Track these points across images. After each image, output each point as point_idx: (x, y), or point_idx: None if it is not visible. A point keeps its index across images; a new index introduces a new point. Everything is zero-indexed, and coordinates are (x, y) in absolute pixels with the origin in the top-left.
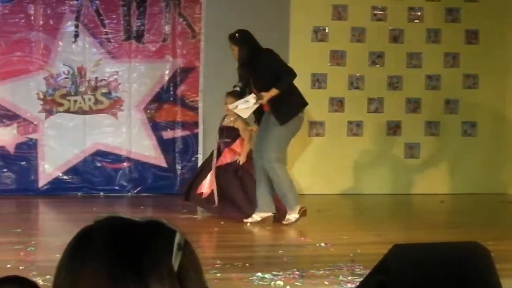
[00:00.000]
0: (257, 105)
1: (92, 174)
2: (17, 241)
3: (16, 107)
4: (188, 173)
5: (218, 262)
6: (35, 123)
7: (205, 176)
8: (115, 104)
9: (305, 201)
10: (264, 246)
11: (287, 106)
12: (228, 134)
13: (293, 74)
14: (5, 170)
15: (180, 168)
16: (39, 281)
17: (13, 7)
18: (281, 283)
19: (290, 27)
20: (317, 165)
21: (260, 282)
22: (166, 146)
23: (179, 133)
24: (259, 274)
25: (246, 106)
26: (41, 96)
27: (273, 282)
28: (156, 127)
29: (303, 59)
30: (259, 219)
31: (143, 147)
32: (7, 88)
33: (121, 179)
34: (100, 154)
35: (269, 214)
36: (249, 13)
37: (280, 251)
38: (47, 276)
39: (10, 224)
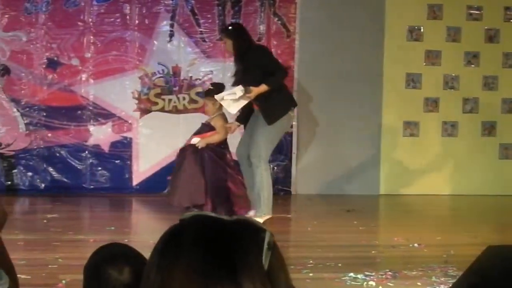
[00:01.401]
0: (246, 101)
1: None
2: (110, 239)
3: (111, 106)
4: (282, 172)
5: (311, 261)
6: (129, 122)
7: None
8: None
9: (399, 201)
10: (357, 246)
11: (275, 106)
12: (205, 131)
13: (284, 72)
14: (100, 168)
15: (274, 167)
16: None
17: (109, 7)
18: (374, 283)
19: (385, 27)
20: (411, 165)
21: (353, 283)
22: None
23: None
24: (352, 274)
25: (232, 97)
26: (136, 95)
27: (365, 283)
28: None
29: (397, 58)
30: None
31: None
32: (102, 87)
33: None
34: None
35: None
36: (343, 13)
37: (373, 252)
38: None
39: (104, 222)
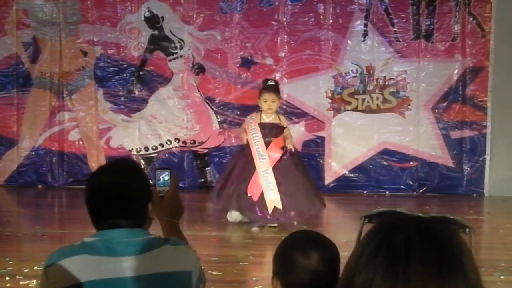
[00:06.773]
0: None
1: (378, 173)
2: None
3: (304, 105)
4: (476, 173)
5: (502, 264)
6: (322, 121)
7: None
8: (403, 103)
9: None
10: None
11: None
12: (275, 131)
13: None
14: None
15: (467, 168)
16: None
17: (303, 6)
18: None
19: None
20: None
21: None
22: (453, 146)
23: (467, 133)
24: None
25: None
26: (329, 95)
27: None
28: (443, 127)
29: None
30: None
31: (430, 146)
32: (296, 86)
33: (407, 178)
34: (387, 153)
35: None
36: None
37: None
38: None
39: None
